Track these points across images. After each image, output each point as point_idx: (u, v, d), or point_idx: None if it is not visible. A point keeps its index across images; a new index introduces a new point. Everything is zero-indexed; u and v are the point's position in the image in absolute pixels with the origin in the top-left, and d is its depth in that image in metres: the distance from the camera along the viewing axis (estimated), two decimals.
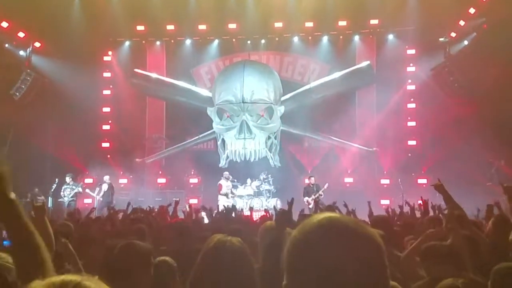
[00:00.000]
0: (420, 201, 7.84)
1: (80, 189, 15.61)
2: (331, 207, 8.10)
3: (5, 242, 3.80)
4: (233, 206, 10.25)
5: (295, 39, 18.55)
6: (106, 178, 16.12)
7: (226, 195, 16.05)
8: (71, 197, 15.40)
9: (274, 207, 10.54)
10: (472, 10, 16.47)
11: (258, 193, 16.63)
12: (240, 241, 2.34)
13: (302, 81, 18.42)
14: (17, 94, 16.73)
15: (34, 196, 14.95)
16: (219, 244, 2.29)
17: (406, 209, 8.68)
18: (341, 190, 15.30)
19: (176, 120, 18.58)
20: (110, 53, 18.87)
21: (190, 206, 9.04)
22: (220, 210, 9.39)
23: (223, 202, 15.33)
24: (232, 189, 16.47)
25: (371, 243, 1.22)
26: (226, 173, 16.70)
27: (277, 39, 18.65)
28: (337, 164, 17.48)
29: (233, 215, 8.76)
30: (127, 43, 18.99)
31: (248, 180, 16.78)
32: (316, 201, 14.03)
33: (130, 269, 2.97)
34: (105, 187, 15.95)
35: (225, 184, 16.46)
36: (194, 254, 2.56)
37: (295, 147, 17.99)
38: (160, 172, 18.38)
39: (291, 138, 17.99)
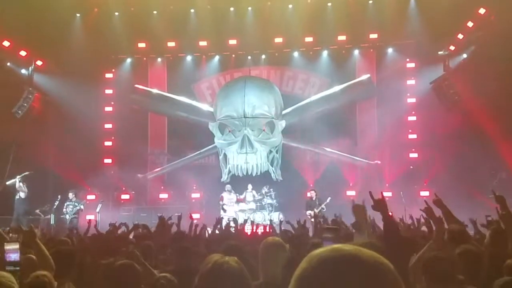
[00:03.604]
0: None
1: (82, 207, 15.59)
2: (336, 222, 8.09)
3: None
4: (235, 220, 10.25)
5: (295, 54, 18.69)
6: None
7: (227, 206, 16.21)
8: (73, 214, 15.40)
9: (280, 221, 10.55)
10: (470, 24, 16.59)
11: (260, 207, 16.61)
12: (238, 261, 2.30)
13: (302, 95, 18.51)
14: (19, 112, 16.80)
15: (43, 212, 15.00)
16: (216, 265, 2.25)
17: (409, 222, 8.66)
18: (344, 204, 15.25)
19: (178, 136, 18.63)
20: (113, 70, 19.02)
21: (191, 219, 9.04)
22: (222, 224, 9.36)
23: (227, 214, 15.34)
24: (235, 204, 16.49)
25: (388, 278, 1.11)
26: (228, 186, 16.74)
27: (277, 54, 18.79)
28: (339, 178, 17.46)
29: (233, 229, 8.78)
30: (128, 60, 19.14)
31: (249, 186, 16.76)
32: (316, 215, 14.01)
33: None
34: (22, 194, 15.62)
35: (227, 197, 16.48)
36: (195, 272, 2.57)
37: (296, 161, 18.00)
38: (162, 187, 18.40)
39: (293, 152, 18.01)
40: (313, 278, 1.11)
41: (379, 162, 17.57)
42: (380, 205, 3.66)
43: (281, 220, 11.04)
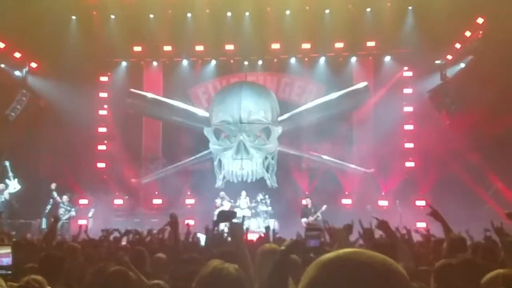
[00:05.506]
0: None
1: (74, 213, 15.41)
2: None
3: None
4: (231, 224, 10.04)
5: (292, 60, 18.64)
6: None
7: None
8: (65, 218, 15.20)
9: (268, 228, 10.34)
10: (468, 33, 16.59)
11: (255, 214, 16.46)
12: (237, 269, 2.27)
13: (299, 102, 18.44)
14: (13, 114, 16.68)
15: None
16: (215, 271, 2.22)
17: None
18: (339, 212, 15.16)
19: (173, 140, 18.52)
20: (108, 73, 18.91)
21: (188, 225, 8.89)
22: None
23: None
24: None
25: (399, 280, 1.08)
26: (222, 193, 16.58)
27: (274, 60, 18.74)
28: (335, 186, 17.35)
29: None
30: (124, 63, 19.02)
31: (243, 193, 16.61)
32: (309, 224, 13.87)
33: None
34: None
35: (218, 203, 16.31)
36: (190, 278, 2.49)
37: (292, 168, 17.89)
38: (156, 192, 18.24)
39: (288, 159, 17.89)
40: (325, 286, 1.07)
41: (373, 170, 17.46)
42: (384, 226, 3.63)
43: (274, 229, 10.75)
